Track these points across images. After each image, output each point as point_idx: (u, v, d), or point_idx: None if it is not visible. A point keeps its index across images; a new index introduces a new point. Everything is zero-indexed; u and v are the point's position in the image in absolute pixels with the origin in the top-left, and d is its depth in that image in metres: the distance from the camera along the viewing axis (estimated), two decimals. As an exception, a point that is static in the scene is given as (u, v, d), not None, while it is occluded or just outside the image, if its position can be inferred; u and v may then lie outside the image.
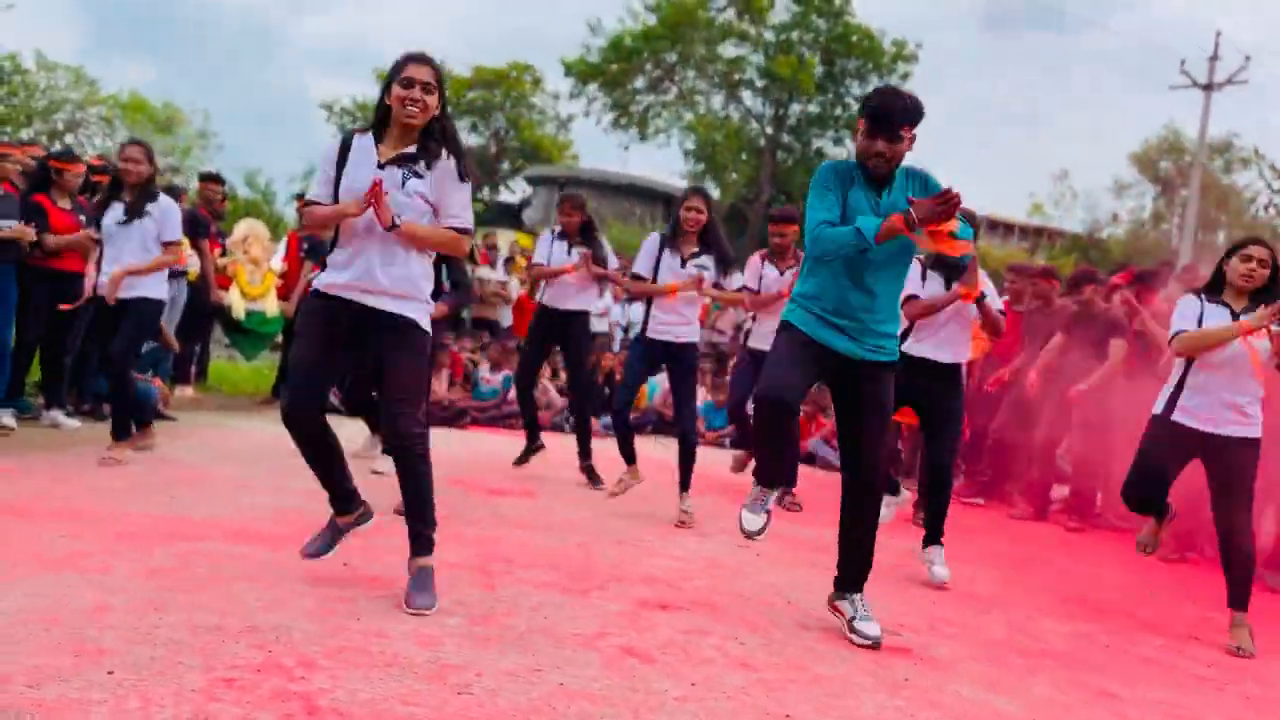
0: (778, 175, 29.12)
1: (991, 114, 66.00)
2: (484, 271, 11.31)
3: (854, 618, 3.58)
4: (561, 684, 2.79)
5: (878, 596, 4.28)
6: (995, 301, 4.98)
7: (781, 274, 6.26)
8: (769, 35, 29.19)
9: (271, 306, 8.78)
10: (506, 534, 4.68)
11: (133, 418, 5.55)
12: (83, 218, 6.45)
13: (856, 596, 3.66)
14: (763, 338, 5.96)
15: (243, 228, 9.12)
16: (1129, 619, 4.51)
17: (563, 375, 10.06)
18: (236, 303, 8.64)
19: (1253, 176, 30.86)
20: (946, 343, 4.90)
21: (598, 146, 68.98)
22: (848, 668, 3.26)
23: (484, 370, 9.66)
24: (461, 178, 3.41)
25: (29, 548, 3.50)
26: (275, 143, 59.80)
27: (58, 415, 6.47)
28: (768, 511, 3.72)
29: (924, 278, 4.98)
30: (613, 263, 6.64)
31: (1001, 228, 34.29)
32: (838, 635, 3.60)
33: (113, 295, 5.41)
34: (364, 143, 3.42)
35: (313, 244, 8.92)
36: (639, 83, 30.05)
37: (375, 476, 5.50)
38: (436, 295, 5.13)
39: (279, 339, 9.22)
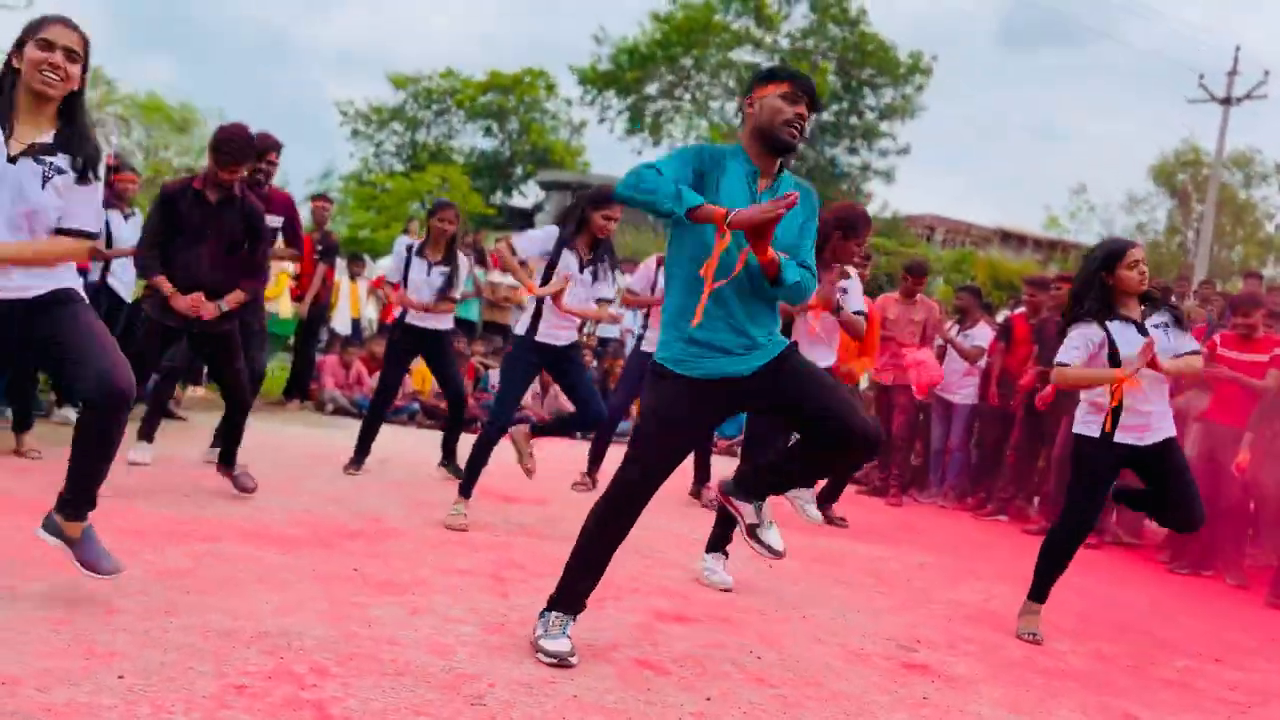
0: (791, 184, 29.11)
1: (1007, 127, 65.94)
2: (496, 275, 11.27)
3: (758, 525, 3.34)
4: (575, 696, 2.75)
5: (893, 610, 4.24)
6: (855, 303, 4.94)
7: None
8: (784, 43, 29.19)
9: (285, 308, 8.77)
10: (519, 541, 4.64)
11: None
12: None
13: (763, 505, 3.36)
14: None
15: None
16: (1149, 638, 4.44)
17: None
18: (249, 303, 8.63)
19: (1271, 191, 30.76)
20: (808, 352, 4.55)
21: (610, 152, 69.04)
22: (865, 684, 3.21)
23: (495, 376, 9.63)
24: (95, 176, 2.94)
25: (39, 546, 3.47)
26: (290, 144, 59.91)
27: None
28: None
29: None
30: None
31: (1015, 240, 34.18)
32: (856, 651, 3.55)
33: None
34: None
35: (326, 246, 8.92)
36: (652, 89, 30.07)
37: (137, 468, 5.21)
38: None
39: (291, 340, 9.21)
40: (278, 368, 10.24)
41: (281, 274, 8.88)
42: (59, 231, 2.90)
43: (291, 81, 61.92)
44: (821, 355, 4.97)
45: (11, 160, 2.81)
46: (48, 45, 2.80)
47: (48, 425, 6.30)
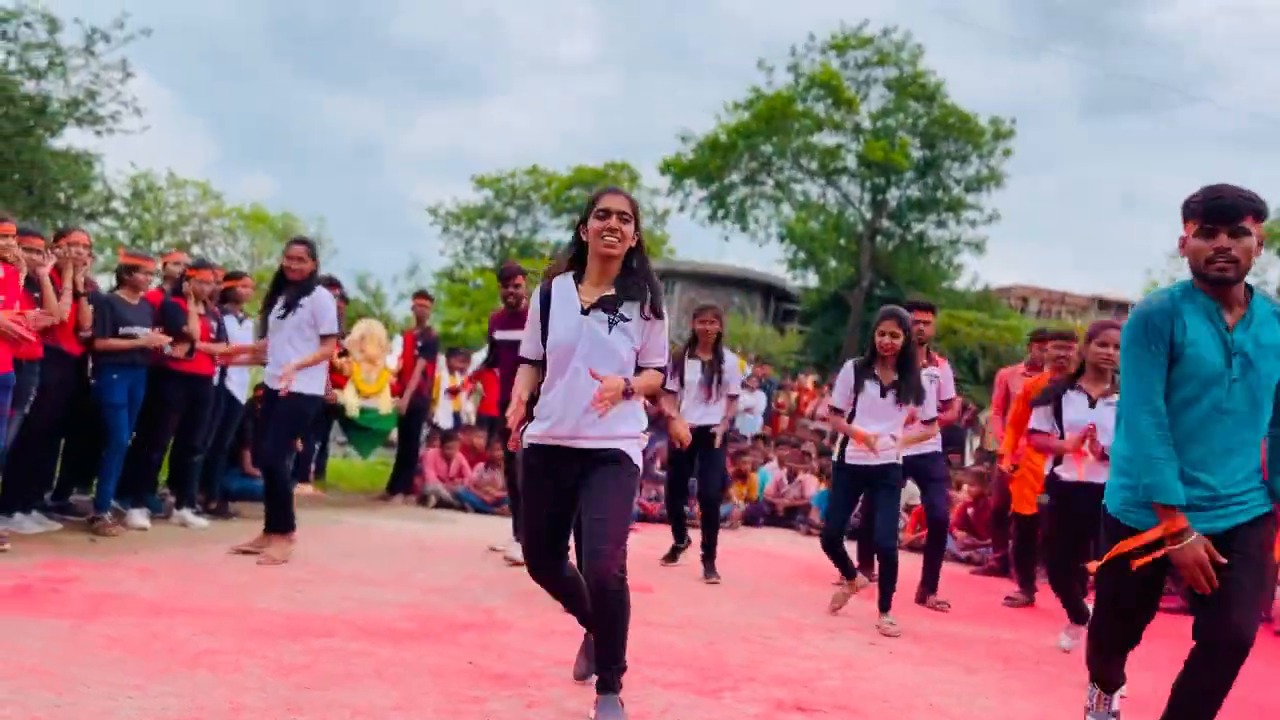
0: (878, 261, 28.91)
1: (1096, 195, 64.84)
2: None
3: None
4: (702, 792, 2.64)
5: (1024, 695, 4.02)
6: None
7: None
8: (865, 124, 29.34)
9: (385, 404, 8.96)
10: (629, 631, 4.55)
11: (285, 515, 5.63)
12: (213, 323, 6.71)
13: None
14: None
15: (361, 327, 9.40)
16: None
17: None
18: (351, 400, 8.86)
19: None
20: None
21: (695, 238, 70.00)
22: (1005, 777, 3.03)
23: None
24: (660, 315, 3.27)
25: (164, 645, 3.54)
26: (382, 246, 62.25)
27: (187, 514, 6.65)
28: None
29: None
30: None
31: (1115, 307, 33.25)
32: (989, 740, 3.36)
33: (285, 387, 5.44)
34: (564, 286, 3.28)
35: (426, 342, 9.13)
36: (735, 176, 30.42)
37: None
38: None
39: (393, 436, 9.38)
40: (379, 463, 10.43)
41: (383, 370, 9.11)
42: (638, 369, 3.25)
43: (382, 186, 64.52)
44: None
45: (584, 312, 3.18)
46: (605, 214, 3.18)
47: (166, 526, 6.49)
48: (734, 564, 6.42)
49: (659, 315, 3.24)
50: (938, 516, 6.23)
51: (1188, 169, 65.94)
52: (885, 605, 5.14)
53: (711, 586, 6.05)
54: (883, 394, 5.15)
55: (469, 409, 10.96)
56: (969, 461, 10.95)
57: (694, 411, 6.27)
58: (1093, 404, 4.75)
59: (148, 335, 6.17)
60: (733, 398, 6.45)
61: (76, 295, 5.81)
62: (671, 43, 61.51)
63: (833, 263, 30.25)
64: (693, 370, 6.31)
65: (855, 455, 5.24)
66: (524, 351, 3.35)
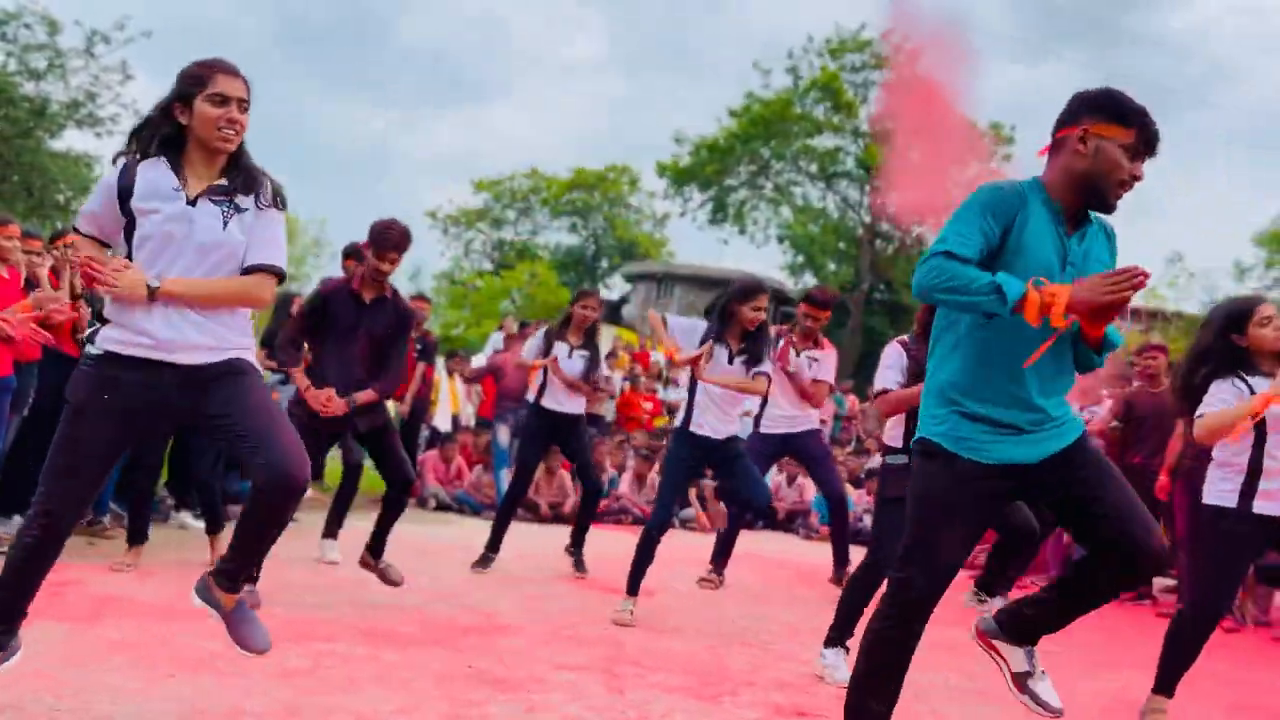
0: (877, 264, 28.94)
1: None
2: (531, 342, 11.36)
3: (1029, 674, 2.99)
4: (704, 798, 2.64)
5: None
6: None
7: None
8: (864, 126, 29.39)
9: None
10: (629, 635, 4.56)
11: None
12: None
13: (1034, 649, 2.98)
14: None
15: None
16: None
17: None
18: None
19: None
20: None
21: (694, 241, 70.13)
22: (1007, 783, 3.03)
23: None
24: (280, 206, 2.84)
25: (166, 650, 3.54)
26: (383, 248, 62.19)
27: (186, 517, 6.64)
28: None
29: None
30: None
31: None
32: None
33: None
34: (156, 172, 2.71)
35: (425, 345, 9.13)
36: (734, 180, 30.46)
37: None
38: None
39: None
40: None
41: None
42: (244, 271, 2.74)
43: (385, 188, 64.52)
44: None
45: (191, 203, 2.68)
46: (223, 100, 2.67)
47: (166, 529, 6.49)
48: (734, 568, 6.42)
49: (280, 207, 2.84)
50: (833, 493, 6.21)
51: (1192, 172, 65.97)
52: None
53: (711, 591, 6.05)
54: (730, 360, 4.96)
55: (469, 411, 10.95)
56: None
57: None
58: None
59: None
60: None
61: (75, 297, 5.80)
62: (674, 45, 61.62)
63: (832, 266, 30.28)
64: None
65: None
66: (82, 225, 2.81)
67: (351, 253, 6.50)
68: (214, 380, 2.68)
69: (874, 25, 29.53)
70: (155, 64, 65.52)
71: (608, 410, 11.74)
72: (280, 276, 2.80)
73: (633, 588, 4.90)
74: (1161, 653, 3.88)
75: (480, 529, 6.77)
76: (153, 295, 2.60)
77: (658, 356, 14.66)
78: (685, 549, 7.02)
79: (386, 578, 4.84)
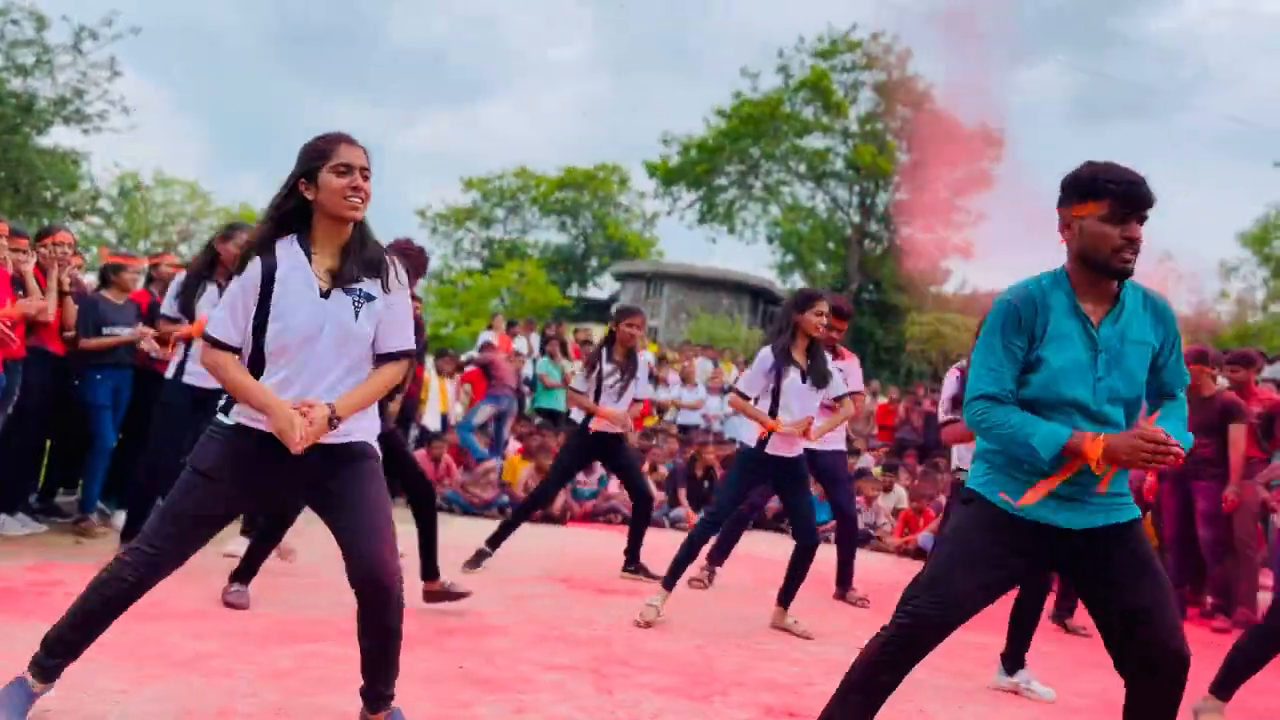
0: (866, 264, 29.00)
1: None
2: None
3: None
4: (694, 798, 2.64)
5: (1012, 702, 4.04)
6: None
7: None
8: (854, 127, 29.46)
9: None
10: (619, 635, 4.56)
11: None
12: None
13: None
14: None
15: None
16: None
17: (661, 471, 9.99)
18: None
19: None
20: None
21: (683, 240, 70.06)
22: (995, 783, 3.04)
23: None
24: (402, 284, 2.81)
25: (154, 650, 3.52)
26: (372, 247, 61.91)
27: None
28: None
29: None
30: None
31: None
32: (979, 746, 3.37)
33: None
34: (292, 262, 2.70)
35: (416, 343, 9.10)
36: (723, 179, 30.49)
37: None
38: None
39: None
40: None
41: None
42: (378, 359, 2.77)
43: (375, 187, 64.22)
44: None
45: (325, 295, 2.68)
46: (347, 169, 2.69)
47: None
48: (724, 569, 6.43)
49: (401, 286, 2.80)
50: (846, 515, 6.24)
51: (1178, 174, 66.34)
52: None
53: (701, 591, 6.06)
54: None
55: (457, 410, 10.94)
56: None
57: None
58: None
59: (131, 330, 6.12)
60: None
61: (61, 294, 5.77)
62: (665, 45, 61.61)
63: (821, 266, 30.33)
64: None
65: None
66: (218, 334, 2.71)
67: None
68: (341, 462, 2.72)
69: (865, 26, 29.60)
70: (144, 60, 65.27)
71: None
72: (411, 357, 2.83)
73: (670, 582, 4.98)
74: (1233, 655, 3.90)
75: (469, 528, 6.77)
76: (335, 422, 2.64)
77: (648, 356, 14.66)
78: (672, 549, 6.99)
79: (455, 594, 4.76)
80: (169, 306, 5.43)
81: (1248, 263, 32.53)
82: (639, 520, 6.29)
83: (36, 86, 18.30)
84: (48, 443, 6.25)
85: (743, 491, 5.16)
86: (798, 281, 31.05)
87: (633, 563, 6.27)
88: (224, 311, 2.68)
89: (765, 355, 4.99)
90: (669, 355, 15.17)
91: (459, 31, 69.60)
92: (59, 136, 20.51)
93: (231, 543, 5.40)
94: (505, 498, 9.16)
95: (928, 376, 23.73)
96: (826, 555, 7.25)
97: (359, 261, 2.73)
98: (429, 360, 10.36)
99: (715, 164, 29.64)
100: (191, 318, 5.33)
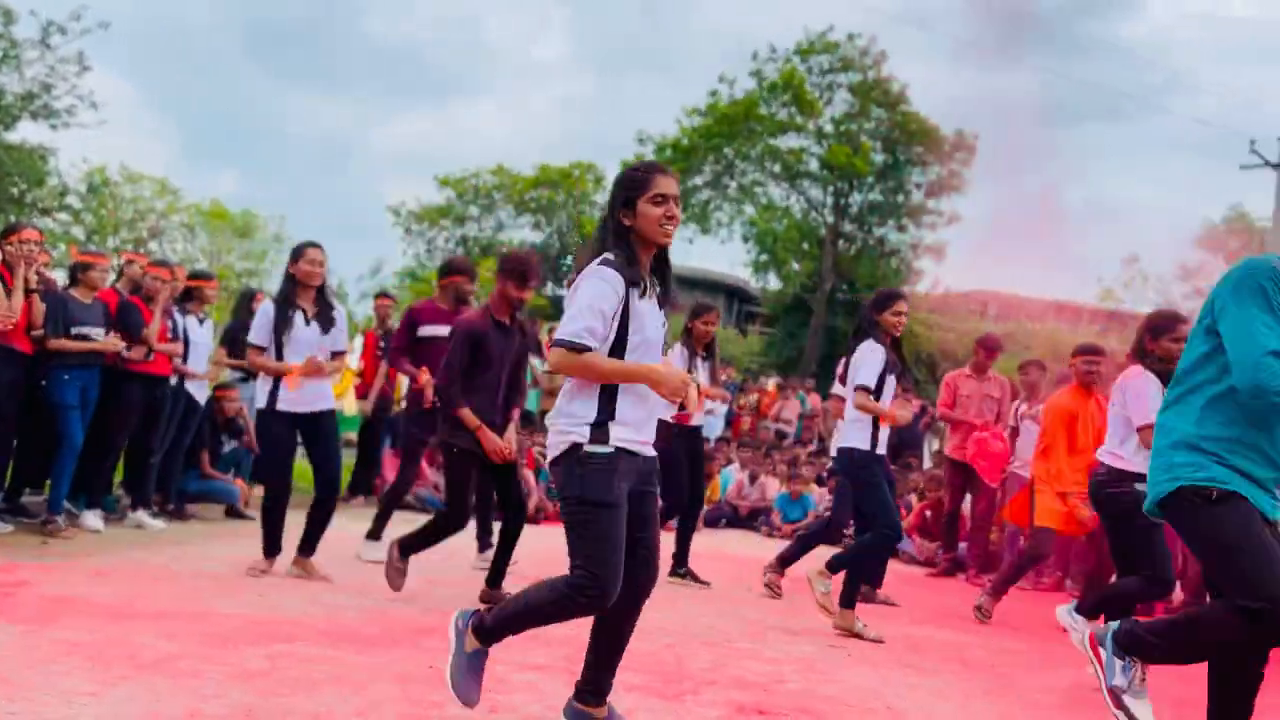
0: (840, 264, 29.13)
1: (1054, 203, 65.77)
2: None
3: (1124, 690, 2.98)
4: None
5: (982, 697, 4.09)
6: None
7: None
8: (828, 127, 29.56)
9: (349, 406, 8.89)
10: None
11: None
12: (170, 322, 6.62)
13: None
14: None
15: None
16: None
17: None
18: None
19: (1331, 253, 30.23)
20: None
21: (657, 241, 69.88)
22: (962, 779, 3.08)
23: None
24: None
25: (122, 651, 3.49)
26: (348, 246, 61.45)
27: (143, 516, 6.56)
28: None
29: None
30: None
31: (1070, 313, 33.78)
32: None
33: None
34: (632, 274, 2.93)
35: (388, 343, 9.07)
36: (698, 179, 30.51)
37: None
38: None
39: (354, 437, 9.31)
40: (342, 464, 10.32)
41: (347, 371, 9.03)
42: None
43: (349, 184, 63.80)
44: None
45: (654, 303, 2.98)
46: (663, 199, 2.90)
47: (122, 529, 6.40)
48: (696, 566, 6.45)
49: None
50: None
51: (1145, 178, 67.10)
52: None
53: (673, 589, 6.08)
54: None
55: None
56: (927, 464, 11.09)
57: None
58: None
59: (103, 341, 6.07)
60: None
61: (28, 292, 5.70)
62: (643, 45, 61.59)
63: (795, 265, 30.41)
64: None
65: None
66: (586, 339, 2.81)
67: (457, 270, 6.34)
68: (654, 473, 3.02)
69: (841, 27, 29.76)
70: (113, 56, 64.53)
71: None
72: None
73: (852, 600, 5.09)
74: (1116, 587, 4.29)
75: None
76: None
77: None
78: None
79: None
80: (257, 335, 5.23)
81: (1209, 264, 32.97)
82: (690, 524, 6.47)
83: (4, 81, 18.07)
84: (14, 442, 6.18)
85: (890, 498, 5.20)
86: (772, 281, 31.12)
87: (681, 565, 6.36)
88: (582, 322, 2.81)
89: (880, 350, 5.10)
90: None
91: (436, 28, 69.27)
92: (26, 132, 20.21)
93: (370, 551, 5.45)
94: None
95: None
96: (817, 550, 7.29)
97: (662, 278, 3.02)
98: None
99: (690, 164, 29.65)
100: (280, 350, 5.18)
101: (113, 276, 6.89)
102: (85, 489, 6.34)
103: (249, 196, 66.35)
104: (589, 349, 2.80)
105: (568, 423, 2.87)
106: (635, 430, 2.89)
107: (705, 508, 9.80)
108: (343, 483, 9.19)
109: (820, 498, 9.90)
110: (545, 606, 2.93)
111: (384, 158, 63.29)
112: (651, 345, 2.93)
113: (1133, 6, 60.59)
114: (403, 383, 10.29)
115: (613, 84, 62.20)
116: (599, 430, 2.83)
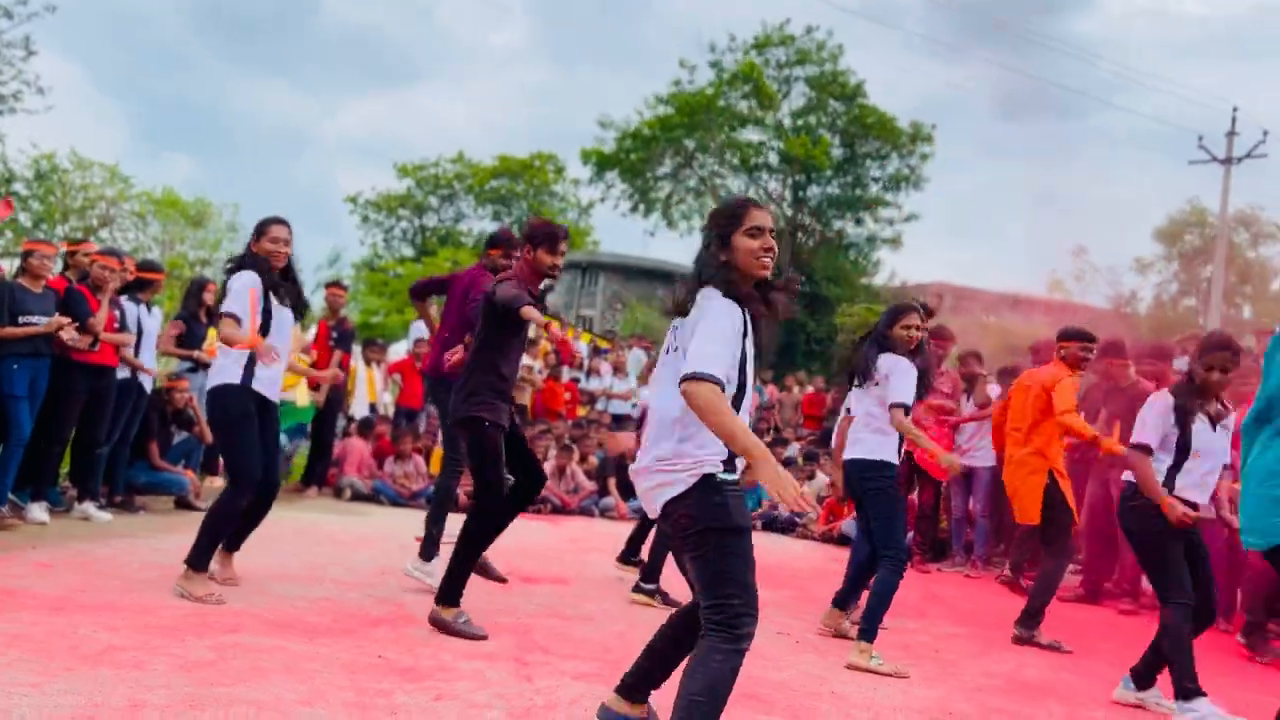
0: (798, 256, 29.33)
1: (1011, 197, 66.67)
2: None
3: None
4: (606, 781, 2.70)
5: (923, 683, 4.17)
6: None
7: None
8: (786, 121, 29.72)
9: (302, 396, 8.82)
10: (542, 623, 4.60)
11: None
12: (117, 312, 6.53)
13: None
14: None
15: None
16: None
17: (591, 460, 10.03)
18: (267, 392, 8.69)
19: (1278, 249, 30.94)
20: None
21: (618, 231, 70.05)
22: (900, 761, 3.15)
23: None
24: None
25: (64, 643, 3.46)
26: (305, 235, 60.74)
27: (89, 508, 6.47)
28: None
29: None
30: None
31: (1025, 305, 34.27)
32: (887, 726, 3.48)
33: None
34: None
35: (341, 333, 9.01)
36: (659, 170, 30.55)
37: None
38: None
39: (308, 427, 9.25)
40: (296, 455, 10.26)
41: (299, 360, 8.95)
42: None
43: (305, 173, 63.20)
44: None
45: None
46: (759, 231, 2.90)
47: (68, 520, 6.32)
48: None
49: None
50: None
51: (1096, 172, 68.09)
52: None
53: (624, 580, 6.11)
54: None
55: (386, 400, 10.85)
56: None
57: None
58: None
59: (49, 320, 5.98)
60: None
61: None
62: (604, 34, 61.45)
63: (754, 257, 30.58)
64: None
65: None
66: (721, 374, 2.69)
67: (502, 242, 6.03)
68: None
69: (799, 20, 29.84)
70: (60, 39, 63.12)
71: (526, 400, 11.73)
72: None
73: (872, 634, 4.55)
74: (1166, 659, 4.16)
75: (393, 519, 6.72)
76: None
77: (582, 345, 14.69)
78: (600, 537, 7.07)
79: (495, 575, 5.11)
80: (237, 307, 4.60)
81: (1162, 258, 33.62)
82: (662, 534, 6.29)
83: (-54, 65, 17.67)
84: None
85: (903, 516, 5.06)
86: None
87: (634, 554, 6.06)
88: (727, 363, 2.72)
89: (912, 370, 4.90)
90: (600, 344, 15.23)
91: (392, 12, 68.55)
92: (-30, 117, 19.81)
93: (410, 563, 5.23)
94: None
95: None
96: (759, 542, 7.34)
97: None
98: (357, 349, 10.25)
99: (650, 153, 29.66)
100: (266, 330, 4.72)
101: (59, 265, 6.78)
102: (30, 481, 6.24)
103: (203, 184, 65.42)
104: (719, 382, 2.67)
105: (693, 459, 2.76)
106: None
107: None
108: (298, 473, 9.18)
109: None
110: (725, 672, 2.75)
111: (341, 145, 62.65)
112: (744, 390, 2.86)
113: (1086, 4, 61.42)
114: (356, 371, 10.25)
115: (573, 72, 62.05)
116: (728, 463, 2.78)
